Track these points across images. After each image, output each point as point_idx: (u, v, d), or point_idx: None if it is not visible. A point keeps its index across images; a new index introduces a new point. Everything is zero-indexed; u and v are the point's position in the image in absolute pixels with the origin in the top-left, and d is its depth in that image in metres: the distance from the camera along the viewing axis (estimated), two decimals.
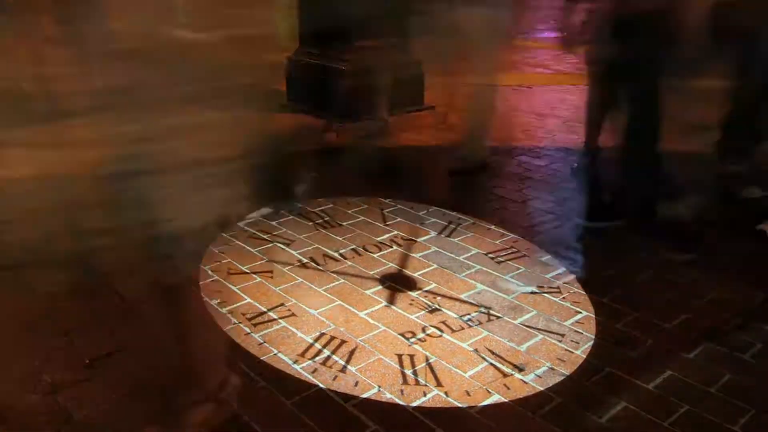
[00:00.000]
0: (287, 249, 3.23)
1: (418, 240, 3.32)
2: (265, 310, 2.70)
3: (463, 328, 2.58)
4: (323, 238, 3.35)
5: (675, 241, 3.16)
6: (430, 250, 3.21)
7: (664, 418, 2.11)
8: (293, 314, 2.67)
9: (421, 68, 5.95)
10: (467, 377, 2.29)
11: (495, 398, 2.19)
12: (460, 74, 4.25)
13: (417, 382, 2.26)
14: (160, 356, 2.41)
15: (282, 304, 2.74)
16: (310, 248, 3.24)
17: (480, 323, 2.61)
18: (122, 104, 1.65)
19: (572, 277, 2.96)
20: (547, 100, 6.32)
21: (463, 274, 2.99)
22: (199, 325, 2.20)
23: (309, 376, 2.29)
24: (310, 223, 3.52)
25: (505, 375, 2.31)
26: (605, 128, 3.79)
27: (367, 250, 3.22)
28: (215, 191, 1.88)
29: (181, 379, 2.15)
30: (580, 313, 2.68)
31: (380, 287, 2.88)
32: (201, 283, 2.90)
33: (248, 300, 2.77)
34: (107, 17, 1.62)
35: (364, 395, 2.20)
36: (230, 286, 2.89)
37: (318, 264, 3.08)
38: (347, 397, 2.19)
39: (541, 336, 2.53)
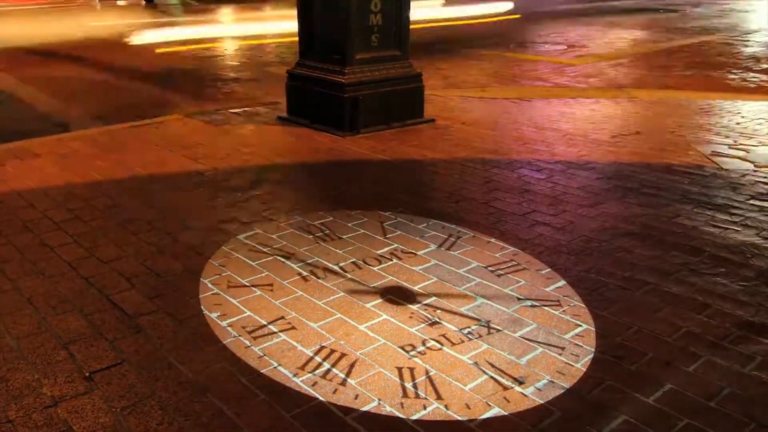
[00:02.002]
0: (287, 262, 3.23)
1: (418, 253, 3.33)
2: (265, 323, 2.70)
3: (463, 341, 2.58)
4: (323, 251, 3.36)
5: None
6: (430, 263, 3.22)
7: (664, 431, 2.11)
8: (293, 327, 2.67)
9: (422, 80, 5.98)
10: (467, 390, 2.29)
11: (495, 411, 2.19)
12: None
13: (417, 395, 2.26)
14: (160, 369, 2.41)
15: (282, 317, 2.74)
16: (310, 261, 3.24)
17: (480, 336, 2.61)
18: None
19: (572, 290, 2.96)
20: (547, 114, 6.34)
21: (463, 287, 2.99)
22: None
23: (309, 390, 2.29)
24: (310, 236, 3.53)
25: (505, 388, 2.30)
26: None
27: (367, 263, 3.22)
28: None
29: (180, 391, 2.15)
30: (580, 326, 2.69)
31: (380, 300, 2.88)
32: (201, 296, 2.91)
33: (248, 313, 2.78)
34: None
35: (364, 408, 2.20)
36: (230, 299, 2.89)
37: (318, 277, 3.09)
38: (347, 411, 2.19)
39: (541, 349, 2.53)
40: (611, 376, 2.37)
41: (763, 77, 8.52)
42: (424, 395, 2.26)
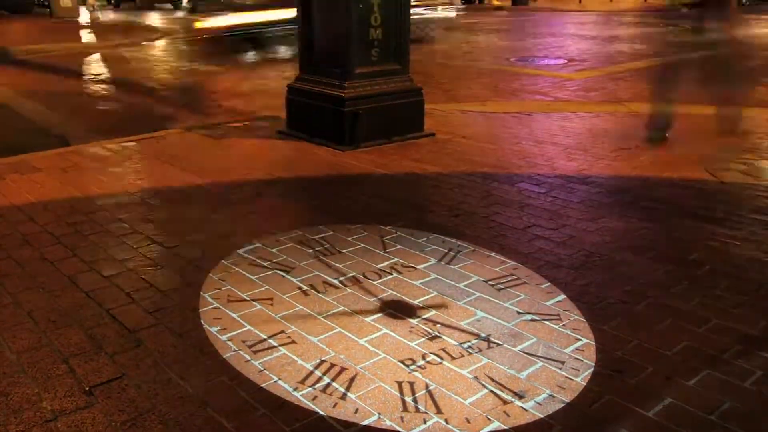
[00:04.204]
0: (287, 276, 3.24)
1: (418, 267, 3.33)
2: (265, 337, 2.70)
3: (463, 356, 2.57)
4: (323, 265, 3.36)
5: None
6: (430, 278, 3.22)
7: None
8: (293, 341, 2.67)
9: (422, 94, 6.00)
10: (467, 404, 2.29)
11: (495, 425, 2.19)
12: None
13: (417, 410, 2.26)
14: (160, 383, 2.41)
15: (282, 332, 2.74)
16: (310, 275, 3.24)
17: (480, 350, 2.61)
18: None
19: (572, 304, 2.96)
20: (547, 127, 6.36)
21: (463, 301, 2.99)
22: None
23: (309, 404, 2.29)
24: (310, 250, 3.53)
25: (505, 402, 2.30)
26: None
27: (367, 278, 3.22)
28: None
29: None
30: (580, 340, 2.68)
31: (380, 314, 2.88)
32: (201, 310, 2.91)
33: (248, 327, 2.77)
34: None
35: (364, 422, 2.20)
36: (230, 313, 2.89)
37: (318, 291, 3.09)
38: (347, 425, 2.19)
39: (541, 363, 2.53)
40: (611, 391, 2.36)
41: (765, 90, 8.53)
42: (424, 409, 2.26)
